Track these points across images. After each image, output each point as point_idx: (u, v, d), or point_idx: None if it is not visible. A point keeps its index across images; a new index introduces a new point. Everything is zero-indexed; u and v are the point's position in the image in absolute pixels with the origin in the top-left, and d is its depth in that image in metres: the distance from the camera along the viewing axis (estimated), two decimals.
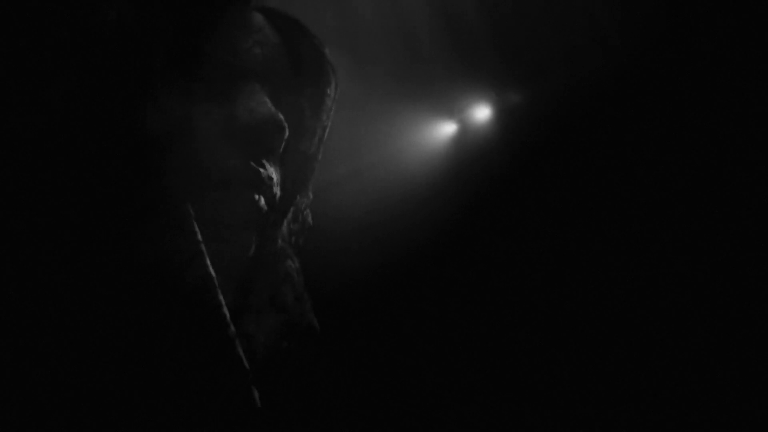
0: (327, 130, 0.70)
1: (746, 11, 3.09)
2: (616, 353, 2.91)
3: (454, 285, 3.49)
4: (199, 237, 0.51)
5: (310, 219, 0.70)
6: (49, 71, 0.60)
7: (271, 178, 0.62)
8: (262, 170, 0.61)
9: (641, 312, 3.06)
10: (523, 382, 3.14)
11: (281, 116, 0.62)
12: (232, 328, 0.48)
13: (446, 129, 3.93)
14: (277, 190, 0.63)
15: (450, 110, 3.84)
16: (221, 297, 0.50)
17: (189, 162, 0.58)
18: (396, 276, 3.35)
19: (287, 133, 0.62)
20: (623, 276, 3.21)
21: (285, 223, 0.67)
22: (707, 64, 3.14)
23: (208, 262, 0.51)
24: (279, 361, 0.55)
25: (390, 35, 3.28)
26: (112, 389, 0.40)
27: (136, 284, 0.49)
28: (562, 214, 3.45)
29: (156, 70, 0.59)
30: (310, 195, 0.70)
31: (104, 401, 0.39)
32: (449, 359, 3.19)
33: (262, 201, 0.61)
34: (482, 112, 3.85)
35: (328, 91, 0.71)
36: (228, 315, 0.49)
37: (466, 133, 3.87)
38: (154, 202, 0.54)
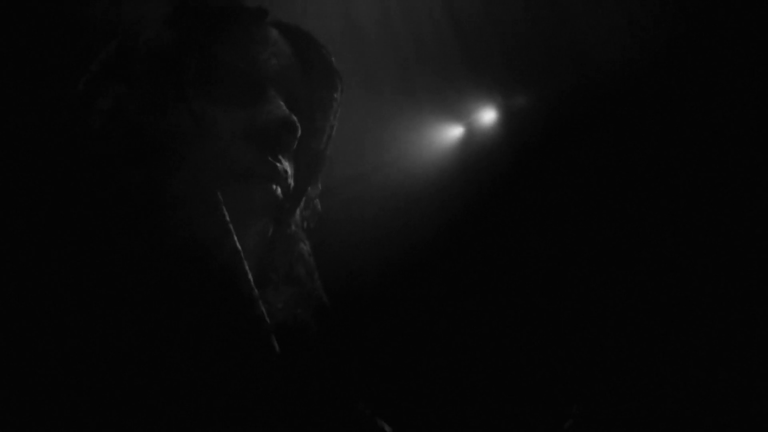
0: (335, 128, 0.79)
1: (759, 12, 3.06)
2: (636, 359, 2.92)
3: (460, 285, 3.50)
4: (228, 218, 0.62)
5: (319, 207, 0.79)
6: (100, 81, 0.71)
7: (286, 172, 0.72)
8: (278, 164, 0.71)
9: (652, 315, 3.06)
10: (532, 384, 3.15)
11: (294, 118, 0.71)
12: (256, 291, 0.58)
13: (453, 132, 3.92)
14: (291, 182, 0.73)
15: (457, 114, 3.83)
16: (247, 267, 0.60)
17: (217, 157, 0.69)
18: (402, 276, 3.37)
19: (300, 133, 0.71)
20: (632, 277, 3.20)
21: (298, 211, 0.76)
22: (722, 65, 3.04)
23: (236, 239, 0.62)
24: (293, 323, 0.65)
25: (398, 41, 3.30)
26: (154, 330, 0.50)
27: (174, 257, 0.60)
28: (571, 215, 3.44)
29: (189, 80, 0.69)
30: (320, 186, 0.79)
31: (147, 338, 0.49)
32: (451, 358, 3.20)
33: (279, 191, 0.71)
34: (489, 115, 3.83)
35: (335, 95, 0.80)
36: (252, 281, 0.59)
37: (472, 136, 3.86)
38: (188, 189, 0.64)
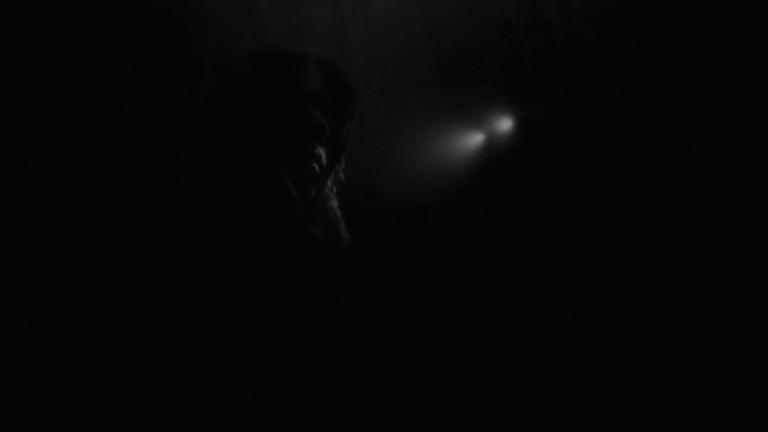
0: (354, 124, 1.23)
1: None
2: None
3: (477, 288, 3.61)
4: (287, 182, 1.06)
5: (343, 177, 1.24)
6: (212, 111, 1.18)
7: (321, 155, 1.16)
8: (316, 150, 1.16)
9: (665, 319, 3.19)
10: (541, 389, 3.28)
11: (325, 121, 1.16)
12: (305, 222, 1.03)
13: (474, 139, 4.18)
14: (324, 161, 1.18)
15: (477, 122, 4.10)
16: (300, 208, 1.05)
17: (278, 147, 1.15)
18: (421, 281, 3.47)
19: (329, 130, 1.17)
20: (647, 283, 3.24)
21: (329, 180, 1.21)
22: (740, 69, 3.12)
23: (293, 193, 1.06)
24: (326, 246, 1.09)
25: (422, 52, 3.56)
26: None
27: (261, 201, 1.04)
28: (590, 221, 3.50)
29: (262, 101, 1.16)
30: (343, 163, 1.24)
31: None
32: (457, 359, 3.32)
33: (317, 167, 1.16)
34: (507, 123, 4.08)
35: (352, 104, 1.25)
36: (303, 217, 1.04)
37: (492, 143, 4.11)
38: (263, 165, 1.10)
